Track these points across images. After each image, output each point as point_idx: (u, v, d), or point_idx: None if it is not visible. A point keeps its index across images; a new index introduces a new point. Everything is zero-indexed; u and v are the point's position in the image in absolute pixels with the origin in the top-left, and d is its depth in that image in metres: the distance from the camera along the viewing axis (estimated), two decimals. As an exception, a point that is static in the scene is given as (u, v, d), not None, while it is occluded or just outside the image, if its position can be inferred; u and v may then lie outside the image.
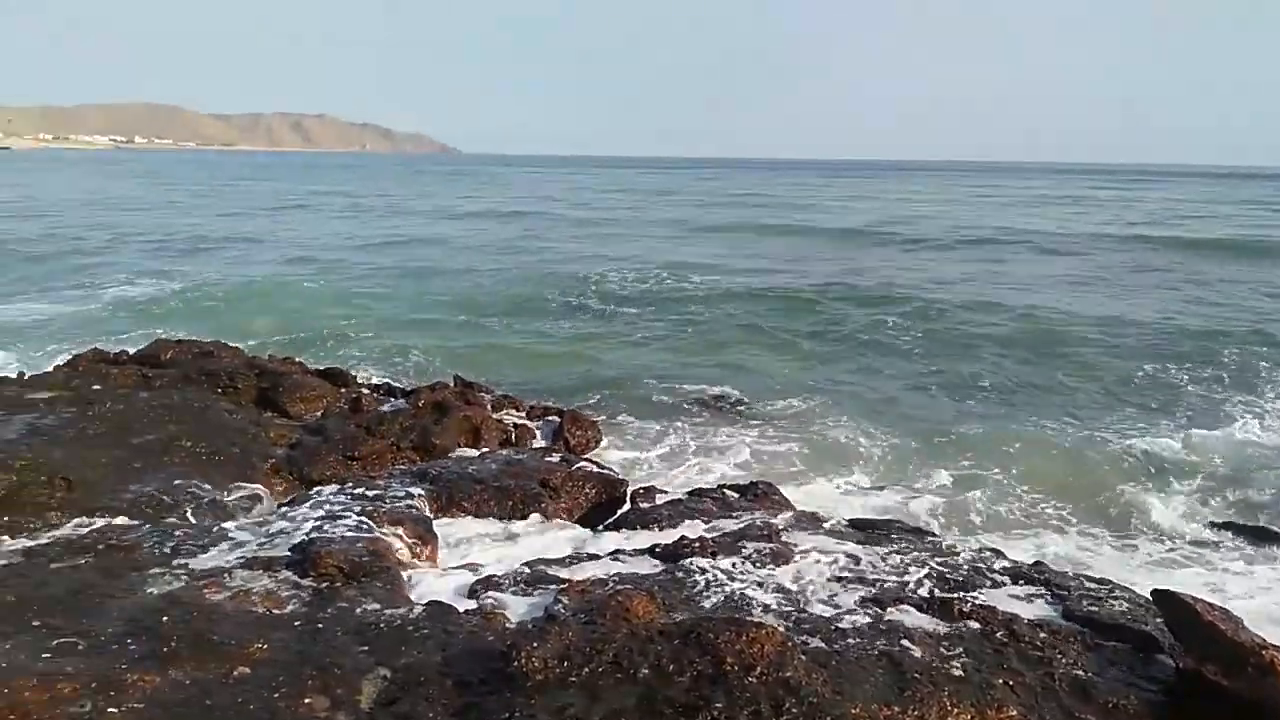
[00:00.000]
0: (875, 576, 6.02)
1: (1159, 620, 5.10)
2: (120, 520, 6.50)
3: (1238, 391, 13.92)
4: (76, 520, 6.38)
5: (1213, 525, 9.15)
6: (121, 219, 42.11)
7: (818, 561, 6.23)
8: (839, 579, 5.94)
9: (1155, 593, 4.99)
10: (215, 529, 6.53)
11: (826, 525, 7.24)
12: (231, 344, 12.78)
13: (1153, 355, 16.02)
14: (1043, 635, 5.07)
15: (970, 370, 15.08)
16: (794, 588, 5.75)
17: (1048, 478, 10.20)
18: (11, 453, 7.29)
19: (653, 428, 11.66)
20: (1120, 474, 10.36)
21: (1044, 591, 5.82)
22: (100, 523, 6.39)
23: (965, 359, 15.89)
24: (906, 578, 5.98)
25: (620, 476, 8.46)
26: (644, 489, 8.08)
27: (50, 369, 11.26)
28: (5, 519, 6.24)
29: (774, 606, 5.42)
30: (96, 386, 9.91)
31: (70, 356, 11.70)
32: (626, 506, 7.86)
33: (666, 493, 8.05)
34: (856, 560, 6.31)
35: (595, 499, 7.89)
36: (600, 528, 7.24)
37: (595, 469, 8.29)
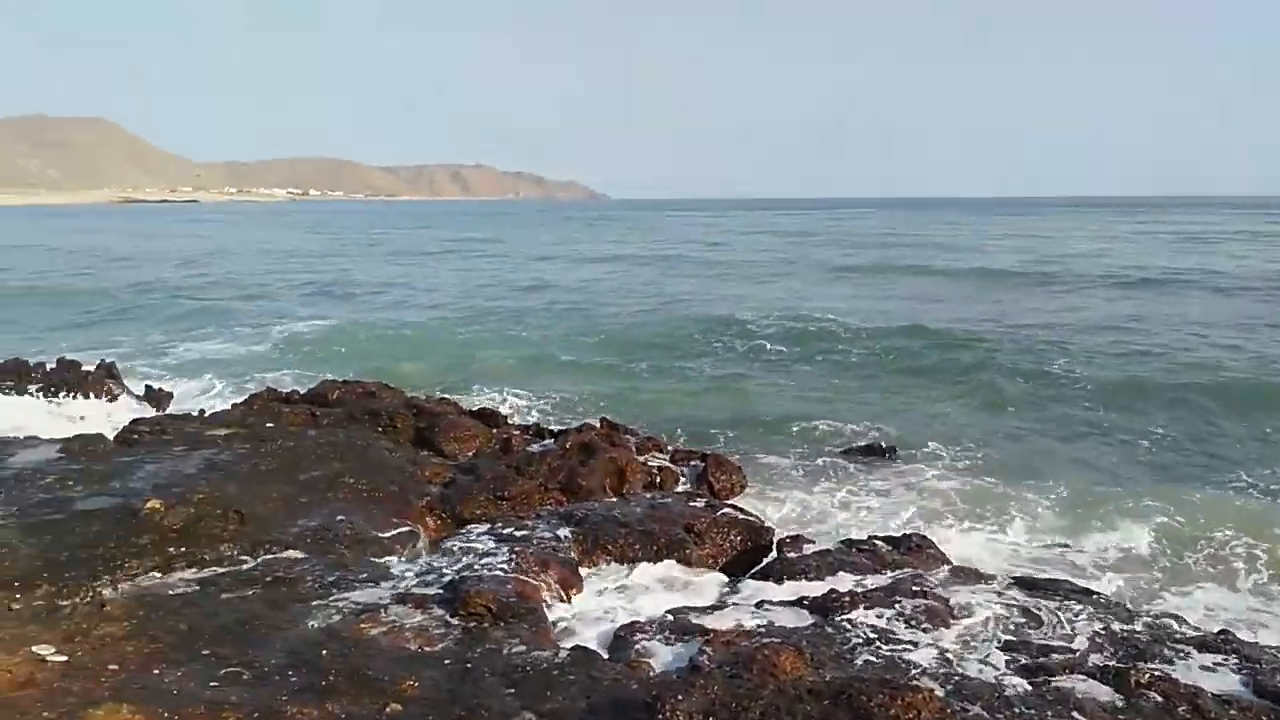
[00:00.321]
0: (1041, 640, 5.66)
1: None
2: (287, 553, 6.84)
3: None
4: (247, 552, 6.76)
5: None
6: (289, 265, 45.14)
7: (978, 621, 5.91)
8: (1001, 641, 5.61)
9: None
10: (373, 564, 6.78)
11: (987, 582, 6.86)
12: (391, 385, 13.36)
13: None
14: (1232, 712, 4.62)
15: (1141, 420, 14.07)
16: (952, 649, 5.46)
17: (1230, 539, 9.34)
18: (190, 487, 7.81)
19: (799, 473, 11.40)
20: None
21: (1232, 662, 5.33)
22: (269, 555, 6.75)
23: (1135, 408, 14.84)
24: (1076, 642, 5.60)
25: (766, 524, 8.29)
26: (791, 538, 7.88)
27: (228, 407, 12.07)
28: (183, 549, 6.66)
29: (930, 669, 5.15)
30: (269, 424, 10.53)
31: (246, 396, 12.50)
32: (772, 555, 7.68)
33: (814, 542, 7.82)
34: (1020, 621, 5.95)
35: (740, 546, 7.74)
36: (745, 576, 7.10)
37: (740, 515, 8.15)
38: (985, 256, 46.74)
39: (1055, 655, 5.30)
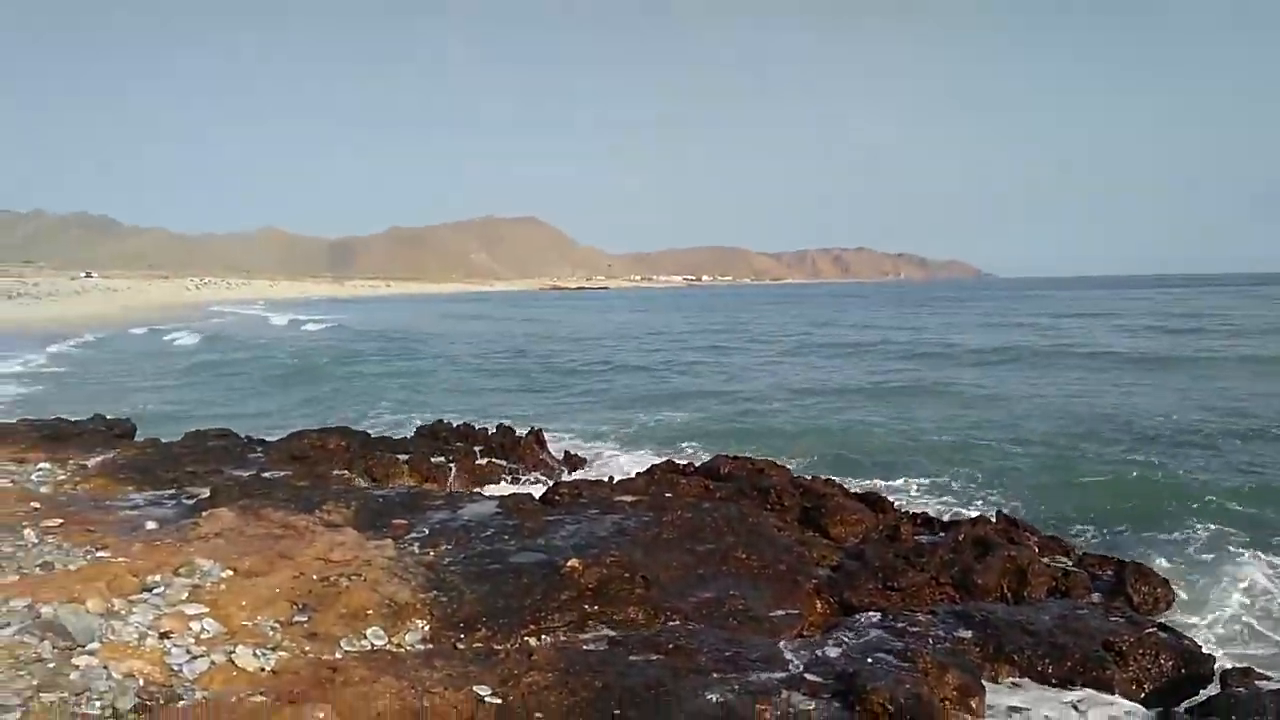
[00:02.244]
0: None
1: None
2: (684, 622, 7.18)
3: None
4: (651, 617, 7.20)
5: None
6: (674, 343, 48.24)
7: None
8: None
9: None
10: (764, 643, 6.88)
11: None
12: (778, 463, 13.63)
13: None
14: None
15: None
16: None
17: None
18: (603, 549, 8.52)
19: (1236, 590, 9.77)
20: None
21: None
22: (669, 622, 7.13)
23: None
24: None
25: (1205, 651, 7.17)
26: (1240, 669, 6.74)
27: (633, 475, 13.05)
28: (597, 608, 7.26)
29: None
30: (668, 494, 11.21)
31: (649, 466, 13.43)
32: (1214, 688, 6.61)
33: (1270, 679, 6.62)
34: None
35: (1172, 674, 6.74)
36: (1181, 710, 6.17)
37: (1172, 637, 7.14)
38: None
39: None
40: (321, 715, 5.12)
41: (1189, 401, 23.05)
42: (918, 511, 12.32)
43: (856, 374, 32.33)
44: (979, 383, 28.74)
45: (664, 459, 14.07)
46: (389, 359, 41.42)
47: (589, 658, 6.19)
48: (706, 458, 14.50)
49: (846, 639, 6.89)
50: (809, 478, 13.03)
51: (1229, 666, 6.96)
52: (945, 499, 14.31)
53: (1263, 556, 10.79)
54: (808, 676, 6.06)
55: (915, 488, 15.00)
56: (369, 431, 16.08)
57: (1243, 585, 9.89)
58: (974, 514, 12.07)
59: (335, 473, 12.52)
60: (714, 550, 8.94)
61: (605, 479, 12.80)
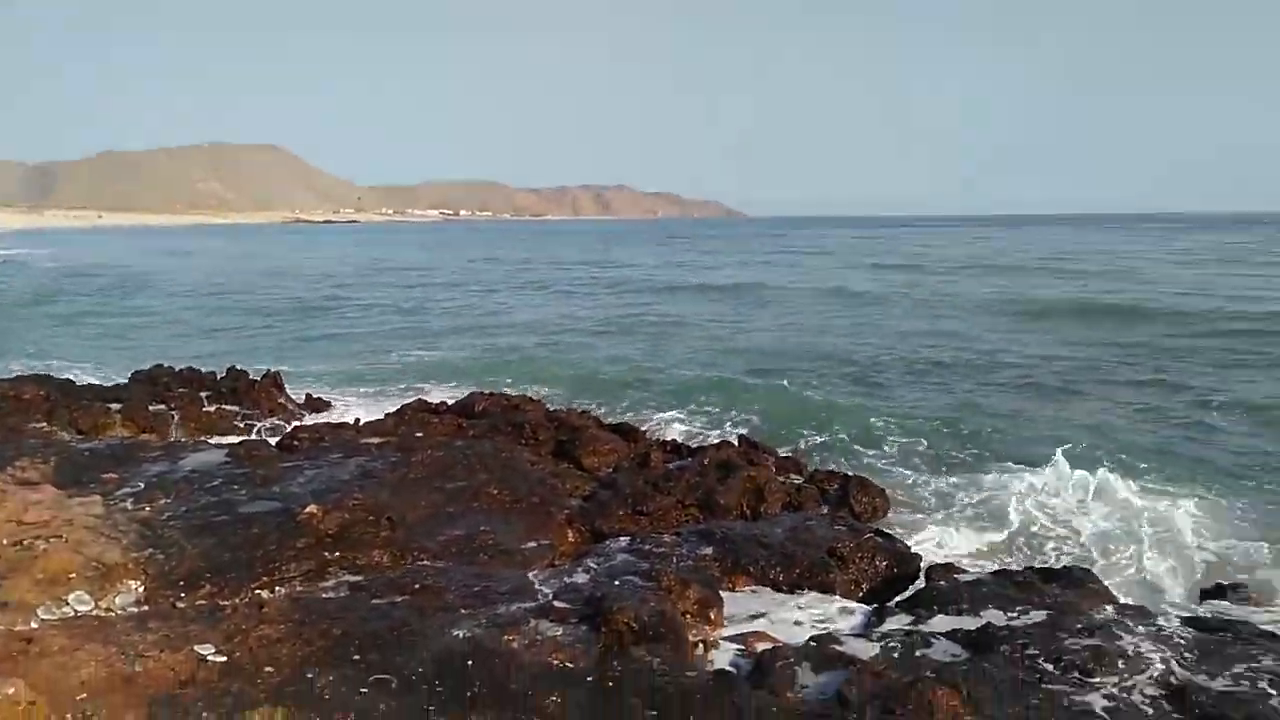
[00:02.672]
0: (1219, 688, 5.13)
1: None
2: (433, 561, 7.00)
3: None
4: (397, 559, 6.95)
5: None
6: (426, 281, 47.01)
7: (1147, 666, 5.42)
8: (1175, 690, 5.11)
9: None
10: (514, 575, 6.84)
11: (1157, 622, 6.32)
12: (534, 398, 13.61)
13: None
14: None
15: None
16: (1118, 695, 5.03)
17: None
18: (346, 492, 8.12)
19: (952, 497, 10.91)
20: None
21: None
22: (416, 563, 6.92)
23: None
24: (1258, 694, 5.05)
25: (914, 550, 7.93)
26: (941, 565, 7.51)
27: (382, 416, 12.55)
28: (338, 554, 6.92)
29: (1097, 714, 4.76)
30: (419, 434, 10.88)
31: (400, 406, 12.96)
32: (920, 583, 7.33)
33: (966, 572, 7.42)
34: (1194, 669, 5.43)
35: (886, 573, 7.42)
36: (893, 605, 6.77)
37: (886, 540, 7.83)
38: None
39: (1237, 707, 4.79)
40: (12, 690, 4.51)
41: (904, 333, 25.38)
42: (668, 439, 12.75)
43: (612, 309, 32.90)
44: (722, 317, 30.18)
45: (415, 399, 13.63)
46: (97, 297, 37.38)
47: (327, 605, 5.89)
48: (462, 395, 14.20)
49: (596, 565, 6.99)
50: (564, 411, 13.11)
51: (934, 563, 7.74)
52: (694, 426, 14.90)
53: (957, 467, 12.11)
54: (556, 604, 6.09)
55: (667, 417, 15.51)
56: (72, 378, 14.40)
57: (942, 492, 11.05)
58: (719, 439, 12.64)
59: (32, 425, 11.09)
60: (465, 487, 8.78)
61: (351, 422, 12.24)
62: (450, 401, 13.36)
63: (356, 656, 5.11)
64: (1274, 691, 5.12)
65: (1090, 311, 28.62)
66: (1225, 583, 8.22)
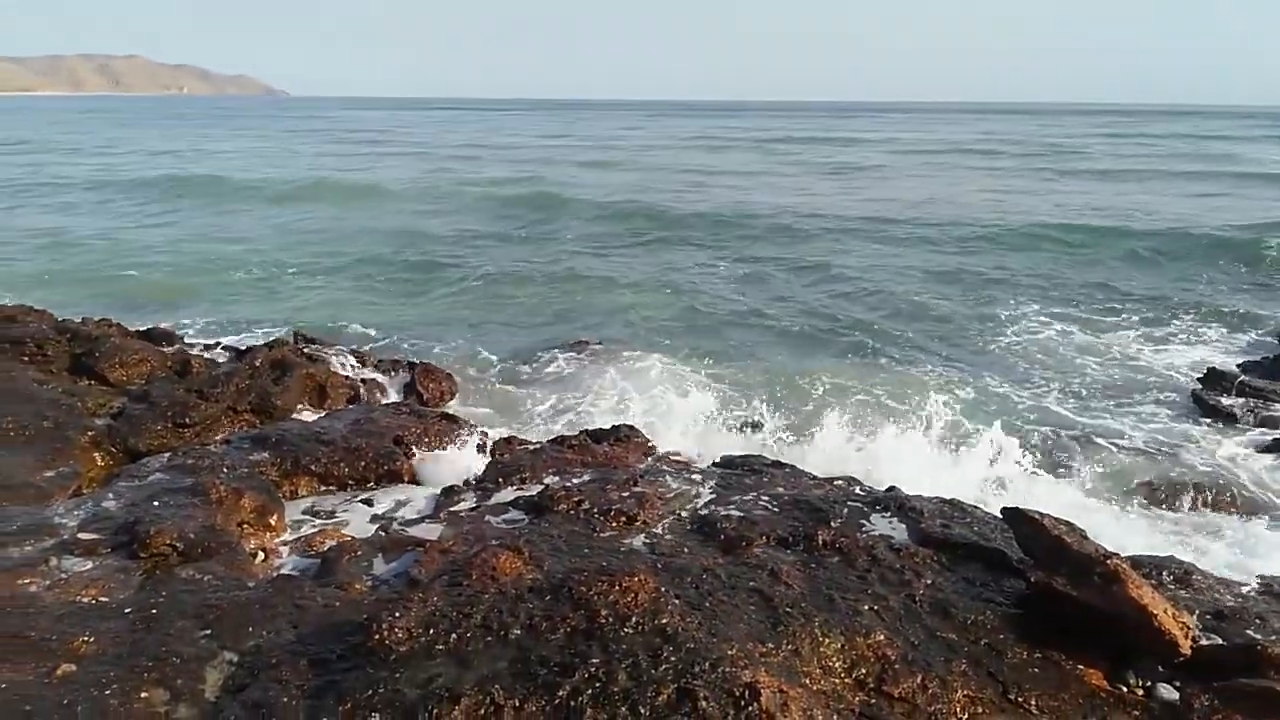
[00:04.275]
0: (740, 514, 6.02)
1: (1008, 537, 5.29)
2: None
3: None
4: None
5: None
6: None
7: (685, 504, 6.18)
8: (705, 520, 5.89)
9: (1005, 510, 5.13)
10: (28, 511, 5.87)
11: (691, 465, 7.21)
12: (37, 308, 11.58)
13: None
14: (902, 559, 5.17)
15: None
16: (662, 533, 5.68)
17: (891, 404, 10.56)
18: None
19: (511, 376, 11.39)
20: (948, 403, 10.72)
21: (900, 516, 5.94)
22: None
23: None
24: (771, 513, 6.01)
25: (479, 428, 8.17)
26: (504, 439, 7.84)
27: None
28: None
29: (644, 553, 5.33)
30: (-127, 361, 8.76)
31: None
32: (487, 459, 7.59)
33: (528, 443, 7.83)
34: (722, 499, 6.29)
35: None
36: (462, 483, 6.95)
37: (451, 423, 7.96)
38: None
39: (755, 526, 5.65)
40: None
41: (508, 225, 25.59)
42: (212, 342, 11.66)
43: (125, 214, 28.95)
44: (281, 214, 28.11)
45: None
46: None
47: None
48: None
49: (129, 487, 6.24)
50: (78, 320, 11.34)
51: (497, 439, 8.04)
52: (241, 326, 13.81)
53: (543, 355, 12.65)
54: (82, 536, 5.34)
55: (209, 321, 14.18)
56: None
57: (513, 373, 11.50)
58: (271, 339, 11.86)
59: None
60: (-51, 420, 7.27)
61: None
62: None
63: None
64: (778, 506, 6.09)
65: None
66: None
